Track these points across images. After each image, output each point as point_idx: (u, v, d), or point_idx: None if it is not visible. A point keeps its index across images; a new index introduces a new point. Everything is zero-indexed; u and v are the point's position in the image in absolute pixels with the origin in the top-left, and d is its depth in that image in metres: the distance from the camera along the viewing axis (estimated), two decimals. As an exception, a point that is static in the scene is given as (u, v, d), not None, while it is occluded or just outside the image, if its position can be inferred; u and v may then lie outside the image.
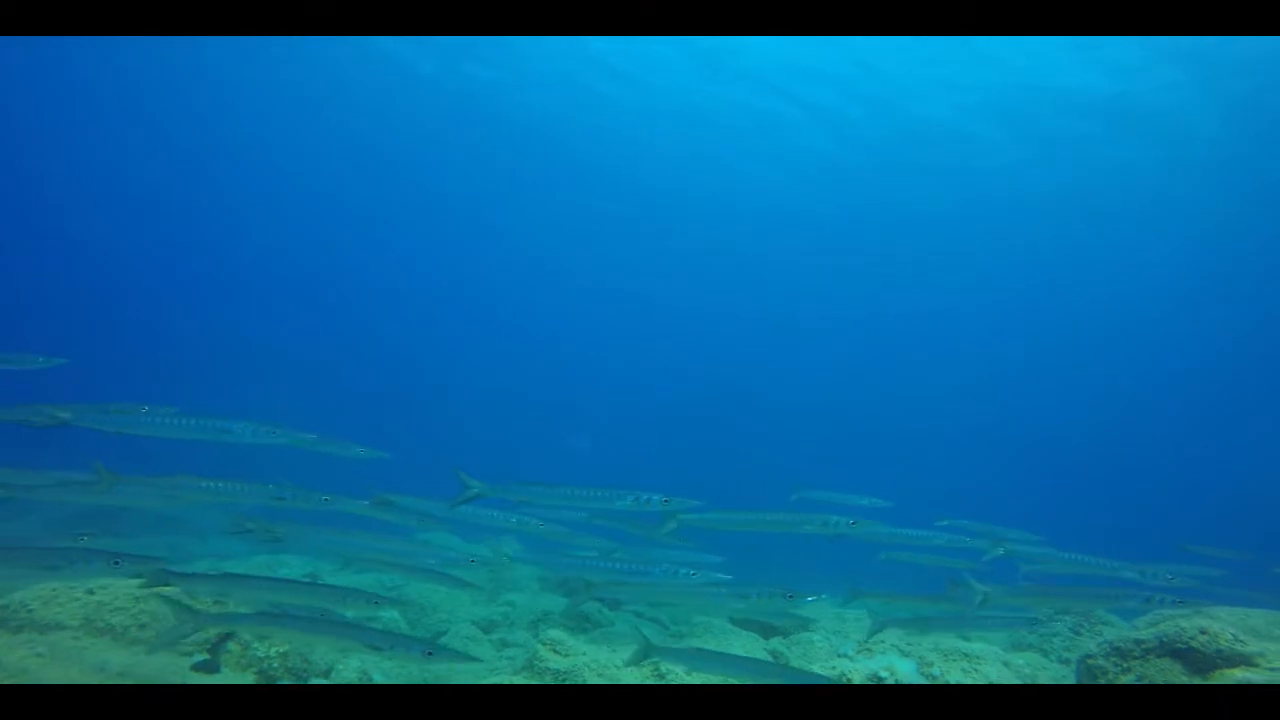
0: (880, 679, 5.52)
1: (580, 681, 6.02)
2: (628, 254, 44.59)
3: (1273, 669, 5.60)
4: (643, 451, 38.19)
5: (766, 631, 8.82)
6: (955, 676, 6.26)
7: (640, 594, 6.43)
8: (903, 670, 5.65)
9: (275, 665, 5.13)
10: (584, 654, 6.46)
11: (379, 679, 5.57)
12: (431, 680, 6.73)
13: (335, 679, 5.32)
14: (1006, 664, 6.84)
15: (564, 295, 48.79)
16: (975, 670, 6.40)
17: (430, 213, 44.14)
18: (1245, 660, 5.76)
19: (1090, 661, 6.82)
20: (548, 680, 5.78)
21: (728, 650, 7.36)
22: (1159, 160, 27.27)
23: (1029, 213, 32.53)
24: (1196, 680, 6.10)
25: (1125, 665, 6.57)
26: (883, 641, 6.75)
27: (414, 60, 29.88)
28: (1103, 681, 6.65)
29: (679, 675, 5.97)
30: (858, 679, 5.54)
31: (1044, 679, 7.33)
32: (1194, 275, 34.09)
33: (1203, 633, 5.90)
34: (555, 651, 6.39)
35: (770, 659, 7.45)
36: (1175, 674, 6.21)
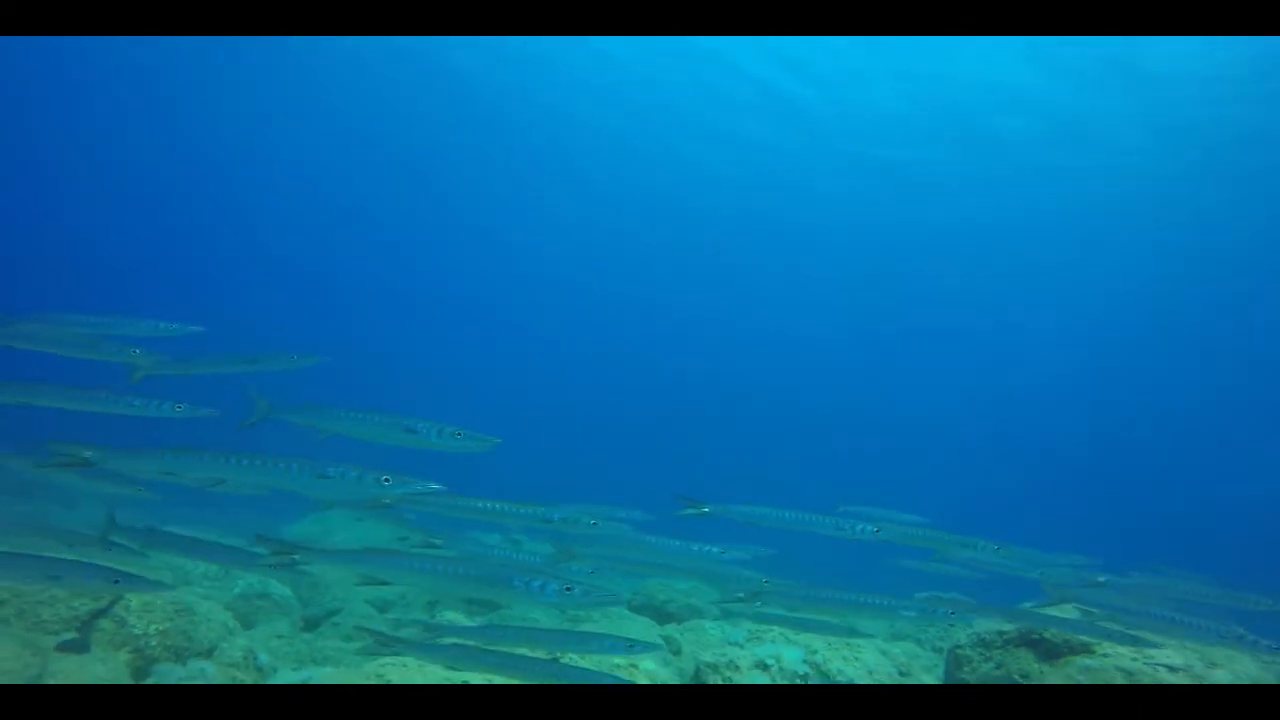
0: (766, 665, 5.79)
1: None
2: (637, 259, 44.67)
3: (1105, 655, 6.21)
4: (645, 459, 37.39)
5: (662, 618, 9.05)
6: (837, 664, 6.62)
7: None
8: (789, 658, 5.94)
9: (154, 644, 4.90)
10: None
11: (264, 659, 5.42)
12: (320, 660, 6.60)
13: (219, 658, 5.15)
14: (884, 652, 7.27)
15: (566, 300, 48.44)
16: (855, 659, 6.77)
17: (429, 213, 43.84)
18: (1086, 649, 6.36)
19: (959, 651, 7.35)
20: (441, 660, 5.76)
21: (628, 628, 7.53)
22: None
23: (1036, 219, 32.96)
24: (1047, 667, 6.69)
25: (988, 654, 7.11)
26: (771, 629, 7.06)
27: (469, 61, 29.45)
28: (967, 670, 7.18)
29: (573, 655, 6.08)
30: (745, 666, 5.78)
31: (917, 667, 7.83)
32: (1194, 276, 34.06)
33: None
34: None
35: (662, 644, 7.66)
36: (1029, 662, 6.78)
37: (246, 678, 5.20)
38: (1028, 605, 7.23)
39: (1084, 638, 6.27)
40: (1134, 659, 6.30)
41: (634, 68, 28.23)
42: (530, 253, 44.85)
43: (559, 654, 5.97)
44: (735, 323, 46.67)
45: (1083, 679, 6.44)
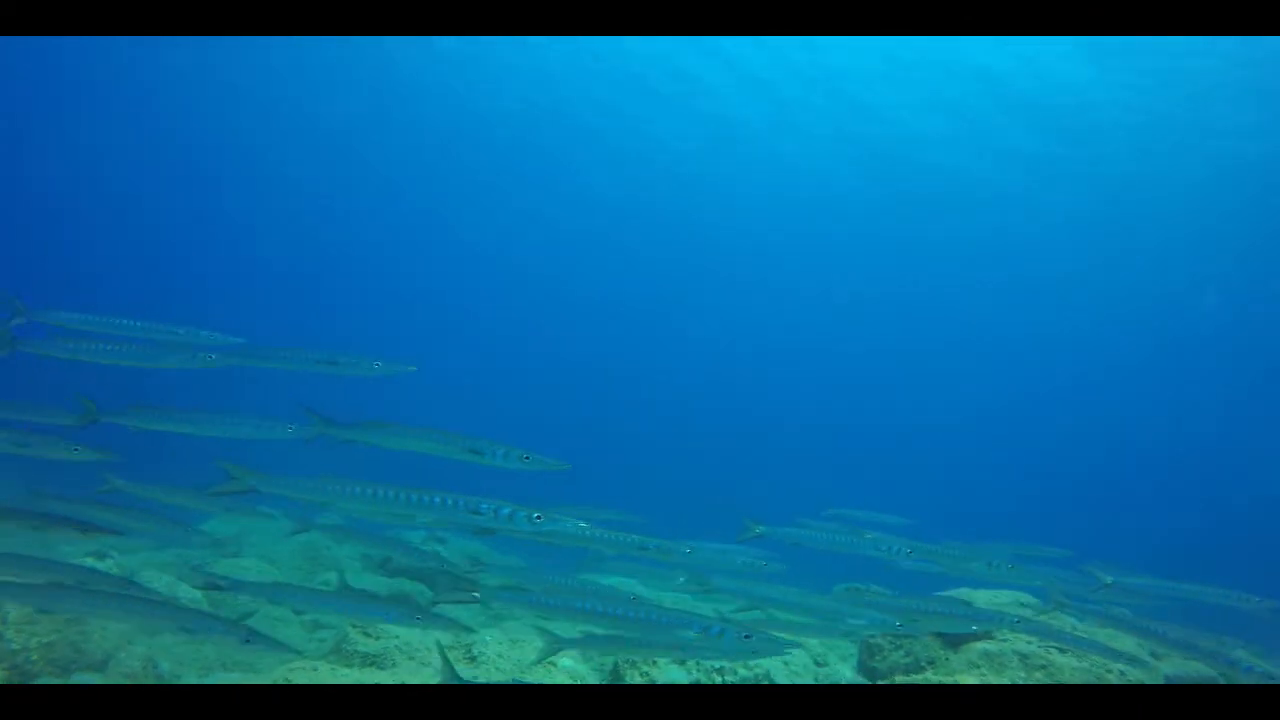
0: (684, 661, 5.89)
1: (390, 665, 5.98)
2: (631, 260, 44.34)
3: (1005, 640, 6.56)
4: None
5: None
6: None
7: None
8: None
9: (34, 658, 4.66)
10: (396, 637, 6.40)
11: (166, 666, 5.24)
12: (230, 666, 6.42)
13: (114, 668, 4.94)
14: (801, 644, 7.47)
15: (564, 301, 47.58)
16: (771, 649, 6.95)
17: (426, 215, 43.51)
18: (988, 636, 6.69)
19: (871, 641, 7.63)
20: (355, 664, 5.69)
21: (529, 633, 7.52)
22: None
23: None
24: (951, 653, 7.00)
25: (898, 643, 7.41)
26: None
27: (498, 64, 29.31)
28: (879, 658, 7.45)
29: (490, 655, 6.08)
30: (663, 661, 5.88)
31: (834, 656, 8.09)
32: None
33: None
34: (366, 634, 6.28)
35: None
36: (936, 649, 7.09)
37: (146, 687, 5.03)
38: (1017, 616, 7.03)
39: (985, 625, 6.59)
40: (1028, 643, 6.67)
41: (648, 66, 28.02)
42: (523, 255, 44.91)
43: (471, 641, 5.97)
44: (734, 324, 46.64)
45: (983, 663, 6.78)
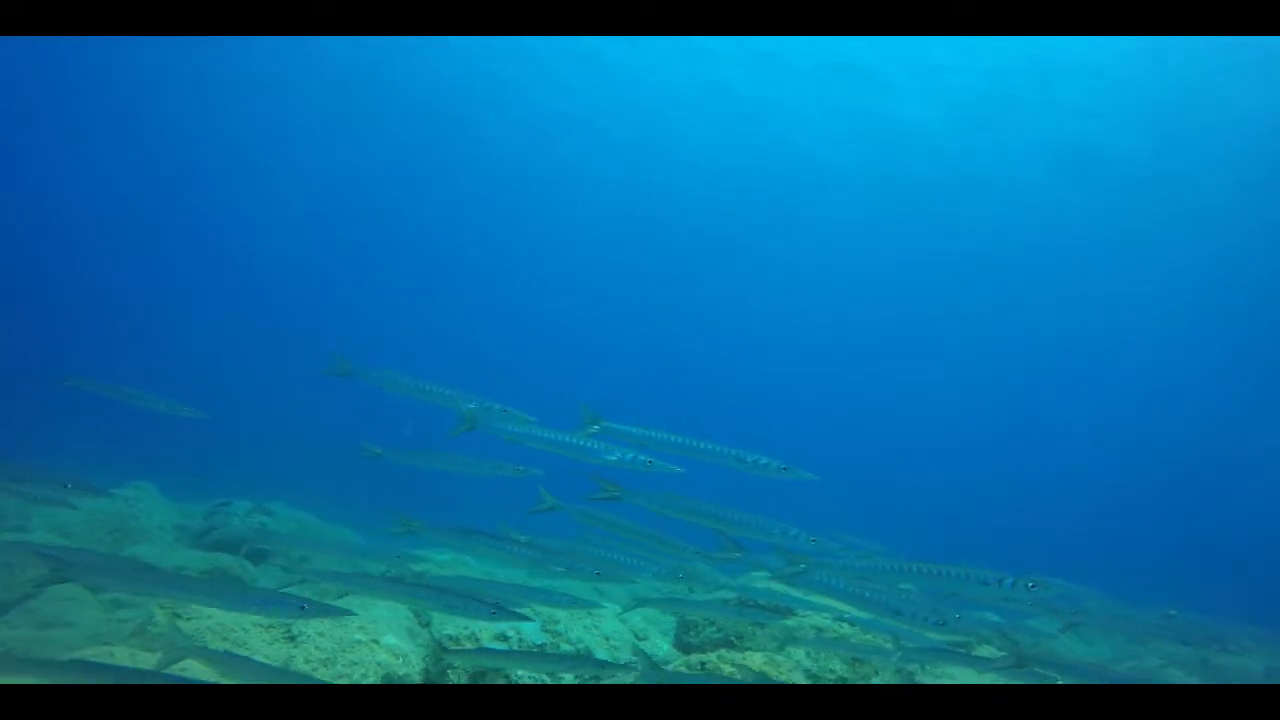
0: (506, 636, 6.11)
1: (202, 644, 5.76)
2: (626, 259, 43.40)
3: (804, 616, 7.30)
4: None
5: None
6: (577, 633, 7.12)
7: None
8: (527, 629, 6.30)
9: None
10: (210, 616, 6.17)
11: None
12: (12, 647, 5.93)
13: None
14: (623, 620, 7.91)
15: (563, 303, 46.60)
16: (595, 627, 7.33)
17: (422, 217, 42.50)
18: (789, 612, 7.42)
19: (686, 617, 8.21)
20: (155, 648, 5.44)
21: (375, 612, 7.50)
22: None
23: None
24: (757, 628, 7.69)
25: (710, 619, 8.02)
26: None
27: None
28: (693, 633, 8.04)
29: (310, 634, 6.02)
30: (485, 638, 6.07)
31: (655, 632, 8.60)
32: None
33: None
34: (176, 614, 6.01)
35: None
36: (744, 625, 7.76)
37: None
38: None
39: (786, 604, 7.31)
40: (823, 618, 7.46)
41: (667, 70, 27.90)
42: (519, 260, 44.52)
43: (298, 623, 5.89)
44: (733, 324, 46.70)
45: (783, 636, 7.51)
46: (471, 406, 6.19)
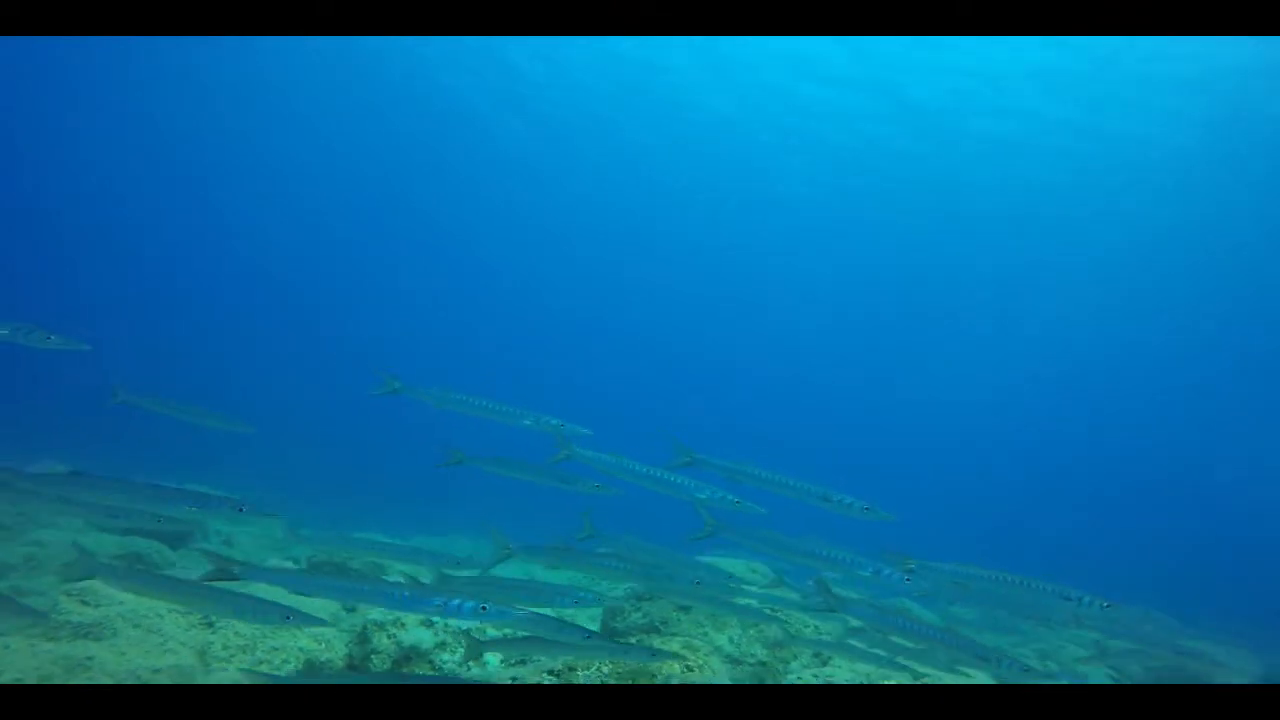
0: (431, 623, 6.10)
1: (109, 635, 5.58)
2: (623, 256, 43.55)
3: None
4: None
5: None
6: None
7: None
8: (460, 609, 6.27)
9: None
10: (122, 603, 5.97)
11: None
12: None
13: None
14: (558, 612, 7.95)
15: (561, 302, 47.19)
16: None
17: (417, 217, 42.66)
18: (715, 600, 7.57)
19: (612, 603, 8.31)
20: (63, 637, 5.26)
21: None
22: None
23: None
24: (683, 615, 7.84)
25: (638, 605, 8.14)
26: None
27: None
28: (619, 619, 8.15)
29: (227, 620, 5.89)
30: (410, 623, 6.05)
31: (583, 618, 8.68)
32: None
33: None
34: (84, 603, 5.80)
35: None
36: (670, 610, 7.91)
37: None
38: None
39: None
40: (748, 603, 7.65)
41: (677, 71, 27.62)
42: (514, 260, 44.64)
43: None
44: (735, 327, 46.78)
45: (708, 623, 7.68)
46: (556, 422, 6.73)
